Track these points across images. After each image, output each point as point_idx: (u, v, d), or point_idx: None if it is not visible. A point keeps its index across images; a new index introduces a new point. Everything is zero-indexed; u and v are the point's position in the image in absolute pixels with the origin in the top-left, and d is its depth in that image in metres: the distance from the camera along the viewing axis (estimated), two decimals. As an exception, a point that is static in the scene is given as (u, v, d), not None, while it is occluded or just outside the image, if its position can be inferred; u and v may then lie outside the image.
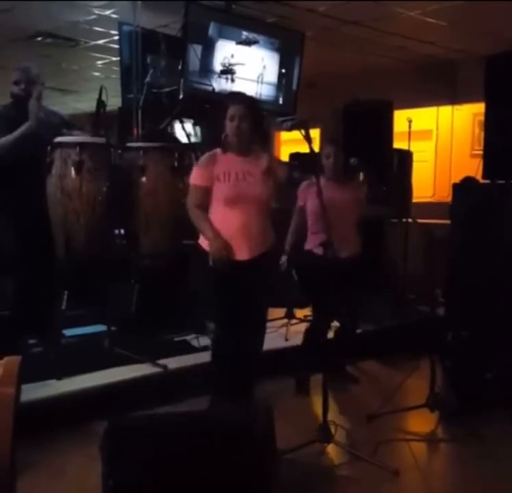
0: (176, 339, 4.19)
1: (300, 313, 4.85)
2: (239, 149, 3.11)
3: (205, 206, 3.12)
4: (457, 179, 4.42)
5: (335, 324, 4.04)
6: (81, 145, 3.73)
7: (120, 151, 3.99)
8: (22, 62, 3.85)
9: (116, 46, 6.13)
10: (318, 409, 2.98)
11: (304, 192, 3.87)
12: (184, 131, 5.11)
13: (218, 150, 3.14)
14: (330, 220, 3.06)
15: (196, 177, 3.14)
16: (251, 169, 3.10)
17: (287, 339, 4.36)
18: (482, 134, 4.32)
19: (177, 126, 5.31)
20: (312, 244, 3.82)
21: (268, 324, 4.54)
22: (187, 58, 5.42)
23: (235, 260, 3.06)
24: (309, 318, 4.39)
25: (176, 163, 3.94)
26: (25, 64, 3.81)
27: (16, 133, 3.61)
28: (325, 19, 6.05)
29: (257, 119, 3.12)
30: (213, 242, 3.04)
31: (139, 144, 4.17)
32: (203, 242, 3.15)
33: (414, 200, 5.98)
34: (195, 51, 5.45)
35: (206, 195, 3.10)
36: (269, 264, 3.27)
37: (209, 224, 3.09)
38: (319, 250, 3.67)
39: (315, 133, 7.92)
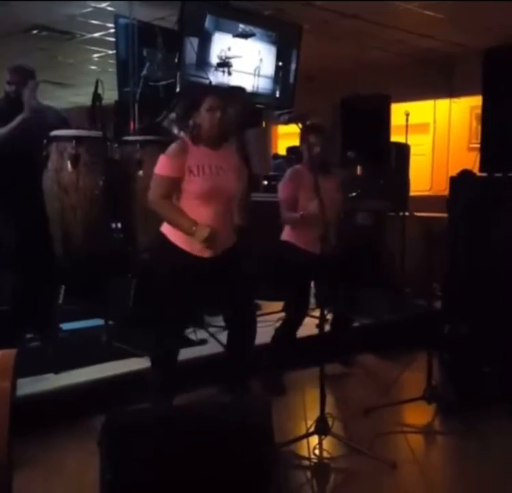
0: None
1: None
2: (212, 142, 2.99)
3: (170, 199, 2.96)
4: (454, 172, 4.41)
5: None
6: (78, 139, 3.72)
7: (116, 145, 3.98)
8: (15, 61, 3.85)
9: (112, 39, 6.12)
10: (315, 402, 2.98)
11: (294, 181, 3.72)
12: (178, 126, 5.09)
13: (188, 141, 2.99)
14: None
15: (164, 167, 2.93)
16: (223, 164, 2.99)
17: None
18: (480, 127, 4.31)
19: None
20: (294, 236, 3.74)
21: (265, 318, 4.57)
22: (184, 51, 5.40)
23: (202, 257, 2.96)
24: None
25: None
26: (17, 64, 3.80)
27: (11, 125, 3.60)
28: (322, 12, 6.03)
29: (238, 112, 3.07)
30: (200, 231, 2.87)
31: (136, 137, 4.15)
32: (170, 232, 2.99)
33: (411, 193, 5.98)
34: (191, 44, 5.44)
35: (174, 187, 2.94)
36: (237, 258, 3.13)
37: (185, 214, 2.92)
38: (305, 245, 3.66)
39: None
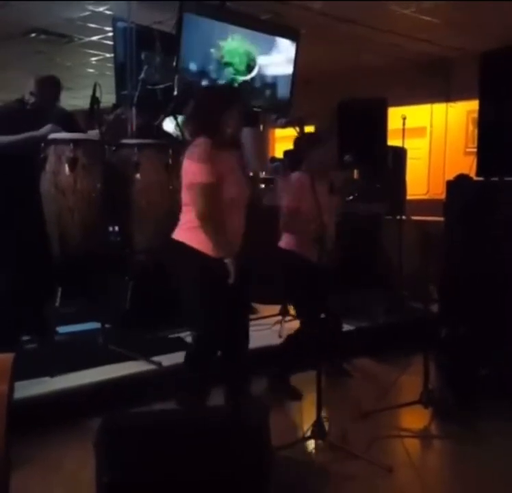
0: (170, 336, 4.18)
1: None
2: (227, 143, 2.89)
3: (215, 202, 2.78)
4: (451, 176, 4.43)
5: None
6: (75, 142, 3.73)
7: (114, 148, 3.99)
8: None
9: (110, 42, 6.11)
10: (312, 405, 2.98)
11: (301, 191, 3.59)
12: (178, 127, 5.10)
13: (210, 144, 2.80)
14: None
15: (203, 174, 2.73)
16: (240, 166, 2.95)
17: (280, 336, 4.36)
18: (476, 131, 4.33)
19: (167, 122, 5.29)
20: (293, 243, 3.71)
21: (262, 321, 4.58)
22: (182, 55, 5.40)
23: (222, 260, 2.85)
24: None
25: (170, 160, 3.94)
26: (46, 76, 3.82)
27: (19, 138, 3.60)
28: (320, 17, 6.05)
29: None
30: (220, 239, 2.79)
31: (134, 140, 4.16)
32: (191, 237, 2.85)
33: (408, 197, 5.99)
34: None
35: (214, 194, 2.76)
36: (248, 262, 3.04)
37: (217, 220, 2.80)
38: (302, 251, 3.65)
39: (309, 130, 7.92)
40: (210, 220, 2.79)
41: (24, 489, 2.44)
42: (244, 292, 3.02)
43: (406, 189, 5.96)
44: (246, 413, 2.36)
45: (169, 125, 5.23)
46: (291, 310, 4.84)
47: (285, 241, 3.77)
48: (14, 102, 3.85)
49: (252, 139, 4.88)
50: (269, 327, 4.50)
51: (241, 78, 5.73)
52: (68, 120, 3.95)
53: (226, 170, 2.81)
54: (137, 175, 3.91)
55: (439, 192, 6.83)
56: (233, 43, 5.67)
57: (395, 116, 5.64)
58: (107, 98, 4.19)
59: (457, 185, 4.21)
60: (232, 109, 2.85)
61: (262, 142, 5.91)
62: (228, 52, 5.64)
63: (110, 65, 6.57)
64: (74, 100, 9.84)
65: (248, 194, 2.96)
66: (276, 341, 4.26)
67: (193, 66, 5.41)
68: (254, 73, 5.84)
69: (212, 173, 2.75)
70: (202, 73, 5.46)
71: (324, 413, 2.94)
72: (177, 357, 3.26)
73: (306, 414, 3.34)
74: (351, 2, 5.57)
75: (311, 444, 2.93)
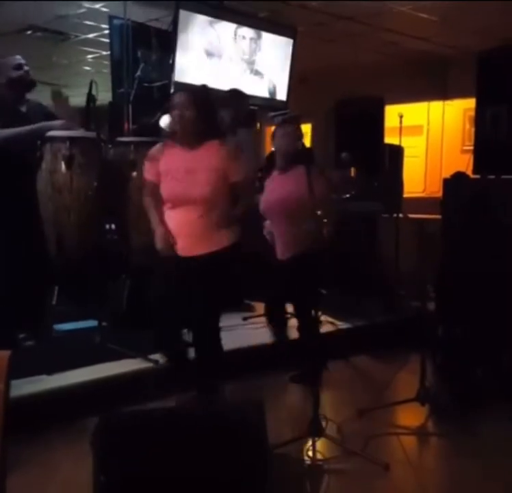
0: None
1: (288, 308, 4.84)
2: (185, 142, 2.98)
3: (157, 198, 3.04)
4: (448, 174, 4.44)
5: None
6: (72, 140, 3.71)
7: (110, 146, 3.98)
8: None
9: (107, 40, 6.10)
10: (309, 403, 2.98)
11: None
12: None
13: (169, 143, 3.03)
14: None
15: (145, 171, 3.10)
16: (195, 165, 2.94)
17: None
18: (473, 130, 4.34)
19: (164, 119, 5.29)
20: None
21: (257, 320, 4.57)
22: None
23: (178, 256, 3.00)
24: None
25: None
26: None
27: (25, 129, 3.58)
28: (317, 14, 6.05)
29: (206, 110, 2.97)
30: (155, 229, 3.03)
31: (130, 138, 4.16)
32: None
33: (405, 195, 5.99)
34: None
35: (155, 190, 3.03)
36: (215, 265, 3.03)
37: (155, 213, 3.05)
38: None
39: (306, 128, 7.93)
40: (146, 204, 3.11)
41: (21, 488, 2.43)
42: (199, 296, 3.03)
43: (403, 187, 5.96)
44: (241, 411, 2.36)
45: (165, 123, 5.22)
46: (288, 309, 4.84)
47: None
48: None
49: (247, 140, 4.87)
50: (263, 326, 4.49)
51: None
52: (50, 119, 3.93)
53: (164, 170, 2.98)
54: (134, 173, 3.90)
55: (436, 190, 6.84)
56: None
57: (392, 114, 5.64)
58: (104, 96, 4.19)
59: (454, 183, 4.22)
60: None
61: (257, 143, 5.90)
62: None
63: (106, 62, 6.56)
64: (70, 97, 9.84)
65: (195, 196, 2.94)
66: (270, 339, 4.26)
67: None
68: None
69: (149, 172, 3.04)
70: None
71: (320, 411, 2.94)
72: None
73: (303, 412, 3.34)
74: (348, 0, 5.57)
75: (307, 442, 2.93)
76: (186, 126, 2.93)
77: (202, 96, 3.06)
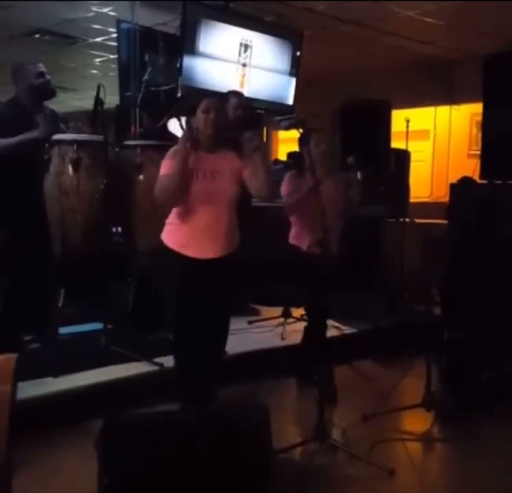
0: (172, 337, 4.18)
1: (297, 312, 4.85)
2: (208, 145, 3.01)
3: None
4: (454, 179, 4.44)
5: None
6: (79, 143, 3.73)
7: (117, 149, 3.99)
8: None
9: (114, 44, 6.13)
10: (314, 407, 2.98)
11: (294, 183, 3.82)
12: (182, 129, 5.09)
13: (183, 146, 3.00)
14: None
15: (166, 168, 2.98)
16: (219, 168, 3.01)
17: (283, 338, 4.36)
18: (480, 134, 4.33)
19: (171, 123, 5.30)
20: (301, 240, 3.81)
21: (265, 323, 4.58)
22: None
23: (200, 259, 2.97)
24: (305, 317, 4.38)
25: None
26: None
27: (18, 139, 3.59)
28: (323, 18, 6.06)
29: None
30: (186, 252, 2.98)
31: (137, 142, 4.17)
32: (165, 237, 3.08)
33: (411, 200, 5.99)
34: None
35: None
36: (234, 265, 3.10)
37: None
38: (310, 248, 3.67)
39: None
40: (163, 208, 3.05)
41: (26, 489, 2.44)
42: (217, 295, 3.04)
43: (410, 191, 5.96)
44: (247, 415, 2.36)
45: (173, 126, 5.23)
46: (294, 312, 4.85)
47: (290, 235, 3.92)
48: (6, 102, 3.83)
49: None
50: (272, 329, 4.50)
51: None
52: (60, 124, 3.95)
53: (191, 170, 2.95)
54: (140, 176, 3.91)
55: (443, 195, 6.83)
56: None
57: (398, 118, 5.65)
58: (111, 99, 4.20)
59: (461, 187, 4.22)
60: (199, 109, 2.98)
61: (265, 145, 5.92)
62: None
63: (114, 66, 6.59)
64: (77, 101, 9.87)
65: (223, 195, 2.99)
66: (279, 343, 4.27)
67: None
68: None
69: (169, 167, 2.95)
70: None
71: (325, 416, 2.94)
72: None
73: (308, 416, 3.33)
74: (354, 3, 5.57)
75: (312, 447, 2.93)
76: (219, 129, 2.99)
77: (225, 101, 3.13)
